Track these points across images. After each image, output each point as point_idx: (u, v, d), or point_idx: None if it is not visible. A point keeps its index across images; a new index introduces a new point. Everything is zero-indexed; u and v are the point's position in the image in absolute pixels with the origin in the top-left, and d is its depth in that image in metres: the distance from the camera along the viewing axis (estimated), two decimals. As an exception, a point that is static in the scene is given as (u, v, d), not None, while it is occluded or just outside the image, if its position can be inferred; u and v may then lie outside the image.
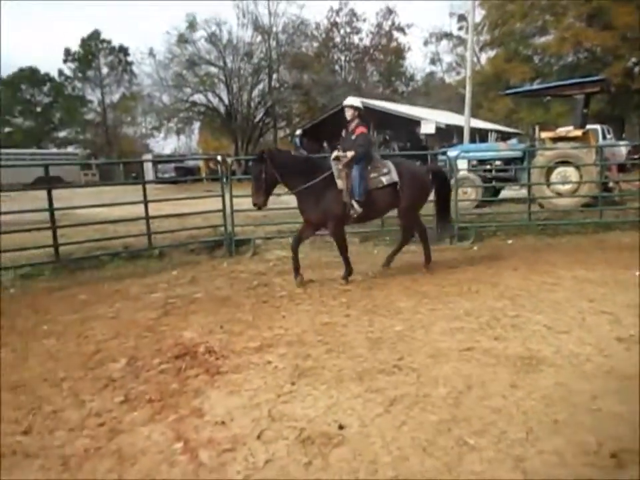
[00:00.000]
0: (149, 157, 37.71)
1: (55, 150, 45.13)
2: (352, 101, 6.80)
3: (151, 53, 37.92)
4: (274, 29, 38.98)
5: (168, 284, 6.74)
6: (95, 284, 6.88)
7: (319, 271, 7.26)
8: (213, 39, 36.60)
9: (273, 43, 39.15)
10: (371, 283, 6.50)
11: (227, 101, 37.60)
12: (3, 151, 32.07)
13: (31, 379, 3.94)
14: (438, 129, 25.50)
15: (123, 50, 50.52)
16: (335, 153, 6.57)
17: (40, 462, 2.86)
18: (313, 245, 8.71)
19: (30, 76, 49.63)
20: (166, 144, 47.63)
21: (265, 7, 39.80)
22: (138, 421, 3.25)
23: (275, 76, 39.65)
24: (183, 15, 41.85)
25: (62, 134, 52.07)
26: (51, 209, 7.19)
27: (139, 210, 8.36)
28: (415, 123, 26.57)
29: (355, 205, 6.38)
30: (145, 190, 8.02)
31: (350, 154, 6.35)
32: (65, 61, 50.23)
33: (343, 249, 6.61)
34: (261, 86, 39.27)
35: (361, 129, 6.51)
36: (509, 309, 5.17)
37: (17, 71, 48.96)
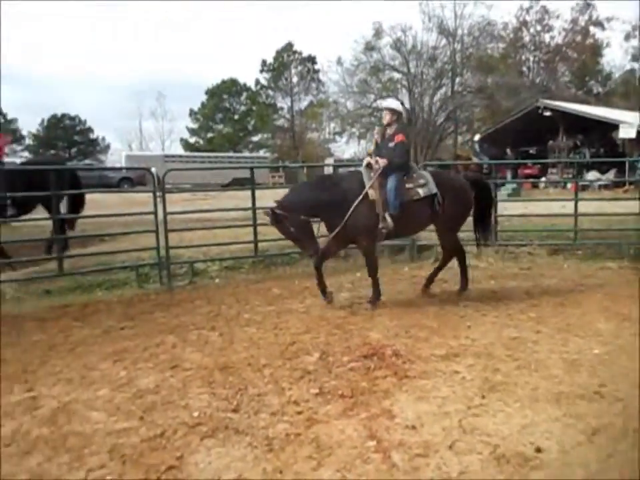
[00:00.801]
0: (330, 160, 39.38)
1: (247, 153, 49.72)
2: (391, 103, 6.37)
3: (339, 62, 39.57)
4: (459, 32, 38.21)
5: (352, 284, 7.01)
6: (288, 279, 7.43)
7: (503, 282, 6.99)
8: (397, 44, 37.02)
9: (458, 46, 38.38)
10: (563, 299, 6.07)
11: (408, 106, 37.78)
12: (205, 154, 36.12)
13: (237, 362, 4.38)
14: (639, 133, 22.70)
15: (311, 59, 53.47)
16: (367, 160, 6.05)
17: (248, 439, 3.17)
18: (497, 255, 8.41)
19: (230, 86, 55.17)
20: (347, 148, 49.18)
21: (451, 9, 39.11)
22: (332, 414, 3.44)
23: (457, 79, 38.84)
24: (369, 24, 42.94)
25: (255, 139, 56.92)
26: (254, 208, 7.90)
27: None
28: (612, 126, 23.98)
29: (388, 219, 5.78)
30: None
31: (382, 162, 5.82)
32: (261, 71, 54.69)
33: (373, 269, 6.01)
34: (442, 90, 38.74)
35: (400, 137, 5.95)
36: None
37: (220, 82, 54.79)
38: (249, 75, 73.51)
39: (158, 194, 7.28)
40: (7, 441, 3.17)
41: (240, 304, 6.22)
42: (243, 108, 56.30)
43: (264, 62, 53.97)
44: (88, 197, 8.76)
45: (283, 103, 55.21)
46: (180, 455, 3.00)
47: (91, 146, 59.36)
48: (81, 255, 7.92)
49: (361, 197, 5.69)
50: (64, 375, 4.20)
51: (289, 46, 53.78)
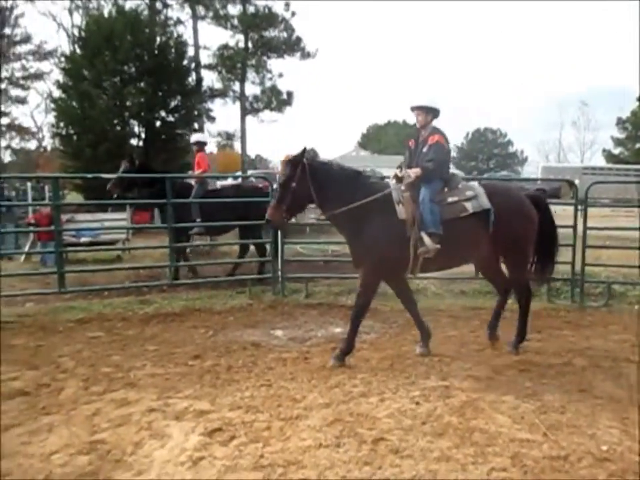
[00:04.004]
0: None
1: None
2: (427, 100, 4.90)
3: None
4: None
5: None
6: None
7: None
8: None
9: None
10: None
11: None
12: (631, 166, 32.29)
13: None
14: None
15: None
16: (394, 172, 4.92)
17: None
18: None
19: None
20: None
21: None
22: None
23: None
24: None
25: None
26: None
27: None
28: None
29: (427, 240, 4.52)
30: None
31: (414, 171, 4.67)
32: None
33: (360, 311, 4.69)
34: None
35: (437, 137, 4.77)
36: None
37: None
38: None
39: (579, 207, 7.01)
40: (423, 419, 3.61)
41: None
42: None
43: None
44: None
45: None
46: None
47: (509, 158, 61.04)
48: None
49: (374, 196, 4.61)
50: (472, 372, 4.50)
51: None
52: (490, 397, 3.97)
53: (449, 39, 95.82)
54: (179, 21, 29.28)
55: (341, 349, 4.68)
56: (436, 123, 4.91)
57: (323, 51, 66.35)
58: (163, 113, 20.55)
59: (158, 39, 20.72)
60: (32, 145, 37.76)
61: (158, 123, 20.46)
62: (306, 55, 31.70)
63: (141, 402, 3.87)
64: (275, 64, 32.97)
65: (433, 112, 4.90)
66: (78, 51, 20.24)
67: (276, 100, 31.07)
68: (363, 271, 4.68)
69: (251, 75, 30.77)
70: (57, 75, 26.70)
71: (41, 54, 35.05)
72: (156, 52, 20.04)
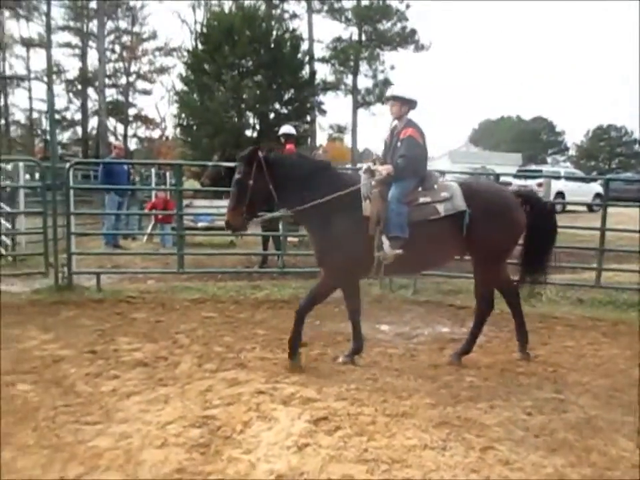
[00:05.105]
0: None
1: None
2: (401, 91, 4.54)
3: None
4: None
5: None
6: None
7: None
8: None
9: None
10: None
11: None
12: None
13: None
14: None
15: None
16: (366, 165, 4.56)
17: None
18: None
19: None
20: None
21: None
22: None
23: None
24: None
25: None
26: None
27: None
28: None
29: (386, 245, 4.19)
30: None
31: (386, 168, 4.31)
32: None
33: (302, 311, 4.35)
34: None
35: (410, 130, 4.39)
36: None
37: None
38: None
39: None
40: (535, 432, 3.42)
41: None
42: None
43: None
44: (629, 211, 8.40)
45: None
46: None
47: (635, 158, 56.30)
48: (616, 270, 7.71)
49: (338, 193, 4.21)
50: (591, 387, 4.21)
51: None
52: (610, 416, 3.68)
53: (563, 32, 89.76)
54: (294, 15, 29.96)
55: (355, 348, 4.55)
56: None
57: (437, 44, 64.79)
58: (277, 106, 21.16)
59: (274, 33, 21.31)
60: (155, 134, 40.52)
61: (272, 115, 21.09)
62: (420, 48, 31.21)
63: (250, 383, 4.01)
64: (387, 56, 32.76)
65: (408, 103, 4.51)
66: (200, 46, 21.34)
67: (388, 93, 30.87)
68: (324, 270, 4.42)
69: (363, 67, 30.82)
70: (180, 69, 28.34)
71: (166, 50, 37.50)
72: (272, 46, 20.62)
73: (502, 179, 10.93)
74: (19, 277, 7.30)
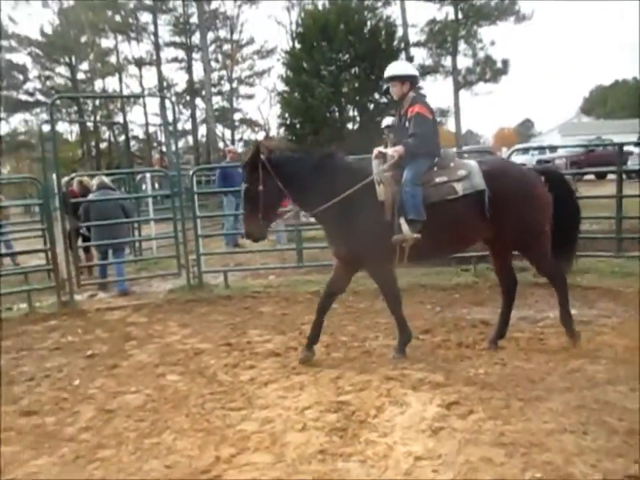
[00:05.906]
0: None
1: None
2: (398, 68, 4.35)
3: None
4: None
5: None
6: None
7: None
8: None
9: None
10: None
11: None
12: None
13: None
14: None
15: None
16: (378, 149, 4.23)
17: None
18: None
19: None
20: None
21: None
22: None
23: None
24: None
25: None
26: None
27: None
28: None
29: (405, 228, 3.92)
30: None
31: (397, 149, 4.09)
32: None
33: (394, 302, 4.34)
34: None
35: (418, 107, 4.12)
36: None
37: None
38: None
39: None
40: None
41: None
42: None
43: None
44: None
45: None
46: None
47: None
48: None
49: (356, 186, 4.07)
50: None
51: None
52: None
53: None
54: (386, 2, 29.61)
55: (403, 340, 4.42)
56: None
57: (539, 12, 60.90)
58: (376, 96, 21.15)
59: (368, 23, 21.28)
60: (260, 136, 42.14)
61: (371, 106, 21.12)
62: (521, 18, 29.62)
63: (378, 370, 4.13)
64: (485, 32, 31.44)
65: (409, 80, 4.31)
66: (297, 45, 21.84)
67: (490, 70, 29.67)
68: (367, 267, 4.40)
69: (461, 47, 29.82)
70: (279, 70, 29.22)
71: (263, 53, 38.81)
72: (367, 36, 20.62)
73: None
74: (154, 279, 8.01)
